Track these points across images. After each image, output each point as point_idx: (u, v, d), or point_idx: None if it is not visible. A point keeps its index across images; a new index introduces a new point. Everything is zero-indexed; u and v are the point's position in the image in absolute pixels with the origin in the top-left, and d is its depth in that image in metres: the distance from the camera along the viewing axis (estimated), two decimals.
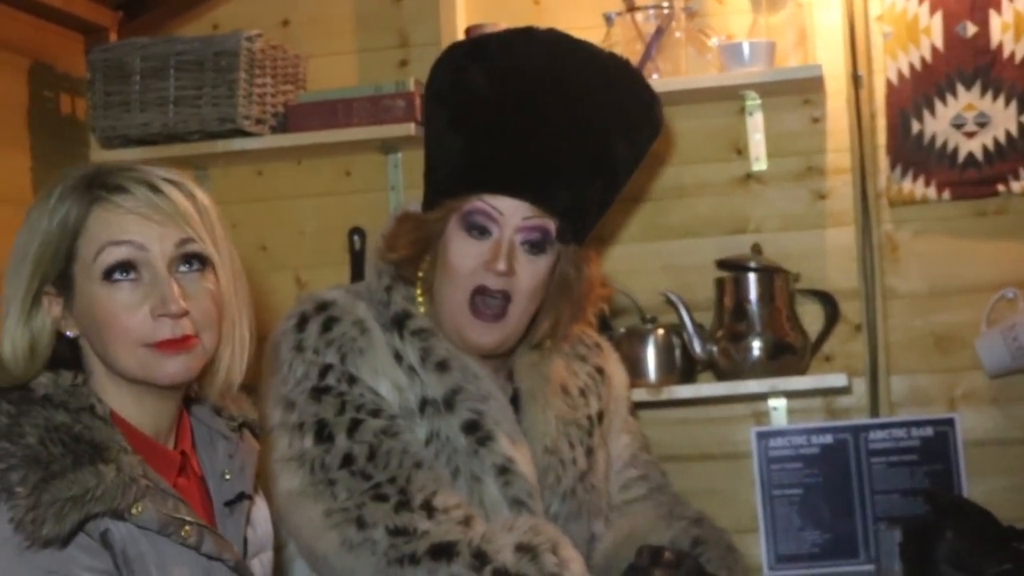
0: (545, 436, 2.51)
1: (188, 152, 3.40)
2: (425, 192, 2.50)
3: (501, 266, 2.39)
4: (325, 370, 2.38)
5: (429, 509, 2.30)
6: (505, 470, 2.41)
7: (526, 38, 2.52)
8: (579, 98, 2.45)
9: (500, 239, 2.41)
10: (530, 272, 2.43)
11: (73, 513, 1.73)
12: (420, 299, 2.49)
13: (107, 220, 1.85)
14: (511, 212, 2.41)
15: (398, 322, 2.45)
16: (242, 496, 2.01)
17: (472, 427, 2.41)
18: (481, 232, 2.41)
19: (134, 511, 1.78)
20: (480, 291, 2.42)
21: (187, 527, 1.84)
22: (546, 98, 2.44)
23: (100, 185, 1.87)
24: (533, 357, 2.57)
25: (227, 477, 1.99)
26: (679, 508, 2.70)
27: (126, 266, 1.85)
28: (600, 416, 2.65)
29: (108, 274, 1.85)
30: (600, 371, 2.69)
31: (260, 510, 2.09)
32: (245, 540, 2.02)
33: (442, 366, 2.43)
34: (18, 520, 1.71)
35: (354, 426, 2.35)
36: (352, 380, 2.39)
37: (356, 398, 2.38)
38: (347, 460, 2.34)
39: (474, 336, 2.44)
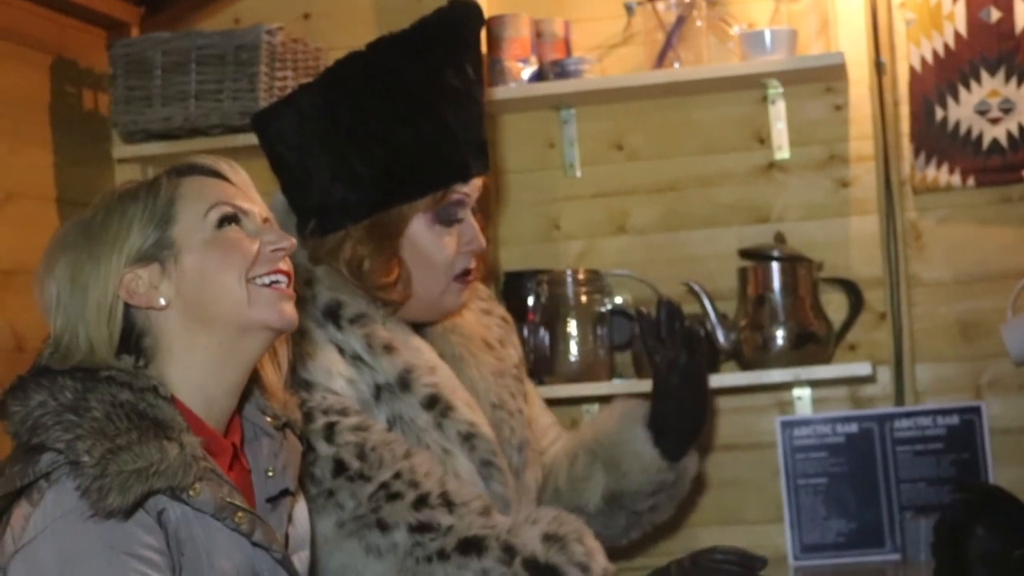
0: (488, 393, 2.53)
1: (210, 146, 3.39)
2: (355, 202, 2.45)
3: (483, 243, 2.49)
4: None
5: (448, 503, 2.30)
6: (470, 435, 2.41)
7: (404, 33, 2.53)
8: (479, 60, 2.54)
9: (469, 219, 2.47)
10: (480, 231, 2.52)
11: (137, 485, 1.74)
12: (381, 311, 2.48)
13: (202, 185, 1.95)
14: (475, 190, 2.49)
15: (331, 313, 2.41)
16: (285, 492, 2.01)
17: (432, 402, 2.40)
18: (455, 220, 2.45)
19: (192, 492, 1.79)
20: (463, 271, 2.48)
21: (241, 513, 1.85)
22: (465, 73, 2.48)
23: (180, 170, 1.97)
24: (447, 320, 2.57)
25: (270, 474, 2.00)
26: None
27: (234, 218, 1.94)
28: (521, 362, 2.70)
29: (220, 223, 1.93)
30: (505, 320, 2.71)
31: (301, 508, 2.09)
32: (287, 536, 2.01)
33: (388, 348, 2.41)
34: (85, 488, 1.73)
35: (330, 430, 2.32)
36: (309, 386, 2.35)
37: (319, 402, 2.33)
38: (339, 467, 2.29)
39: (453, 302, 2.50)
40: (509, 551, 2.25)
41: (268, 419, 2.03)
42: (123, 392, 1.83)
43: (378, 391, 2.39)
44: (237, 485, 1.90)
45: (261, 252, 1.93)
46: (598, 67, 3.44)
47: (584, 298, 3.34)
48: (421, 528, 2.27)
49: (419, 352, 2.45)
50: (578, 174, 3.52)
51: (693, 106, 3.47)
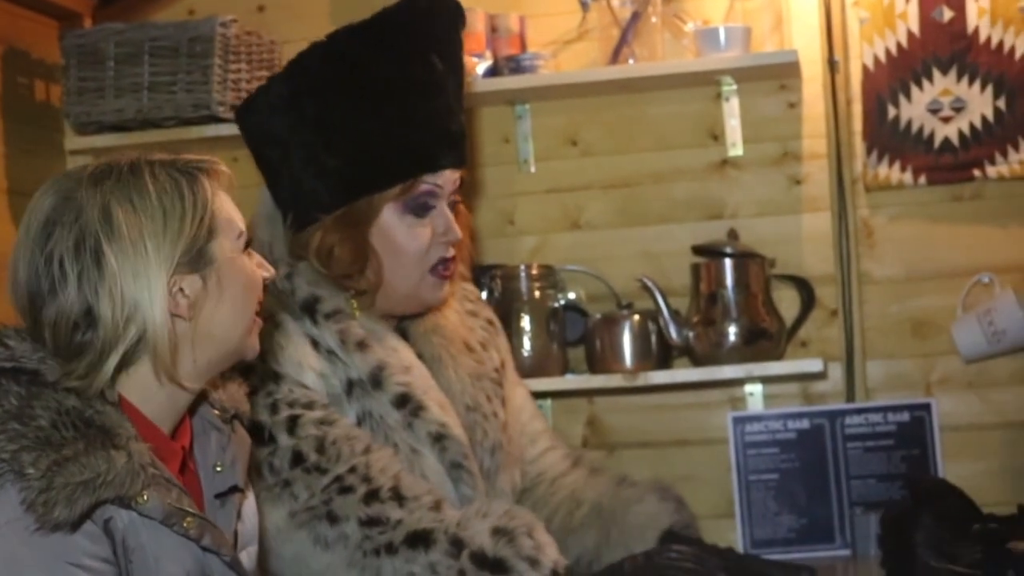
0: (464, 395, 2.55)
1: (162, 138, 3.37)
2: (324, 193, 2.47)
3: (458, 234, 2.50)
4: (247, 372, 2.29)
5: (399, 497, 2.30)
6: (440, 436, 2.43)
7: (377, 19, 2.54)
8: (451, 53, 2.54)
9: (442, 210, 2.49)
10: (460, 225, 2.53)
11: (84, 498, 1.72)
12: (355, 304, 2.48)
13: (229, 201, 1.95)
14: (448, 182, 2.50)
15: (308, 308, 2.44)
16: (234, 489, 2.00)
17: (403, 400, 2.42)
18: (427, 210, 2.46)
19: (140, 500, 1.78)
20: (439, 262, 2.49)
21: (190, 519, 1.83)
22: (432, 65, 2.48)
23: (207, 170, 1.93)
24: (429, 319, 2.58)
25: (218, 469, 1.98)
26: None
27: (250, 243, 1.99)
28: (503, 366, 2.70)
29: (245, 247, 1.95)
30: (491, 323, 2.73)
31: (249, 504, 2.08)
32: (235, 533, 2.00)
33: (362, 345, 2.43)
34: (30, 502, 1.71)
35: (292, 423, 2.34)
36: (278, 378, 2.37)
37: (286, 395, 2.36)
38: (297, 458, 2.32)
39: (433, 295, 2.52)
40: (457, 544, 2.25)
41: (216, 412, 2.02)
42: (69, 398, 1.80)
43: (350, 386, 2.41)
44: (187, 487, 1.89)
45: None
46: (553, 63, 3.44)
47: (537, 293, 3.35)
48: (371, 522, 2.28)
49: (395, 351, 2.46)
50: (532, 169, 3.52)
51: (647, 102, 3.48)
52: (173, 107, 3.34)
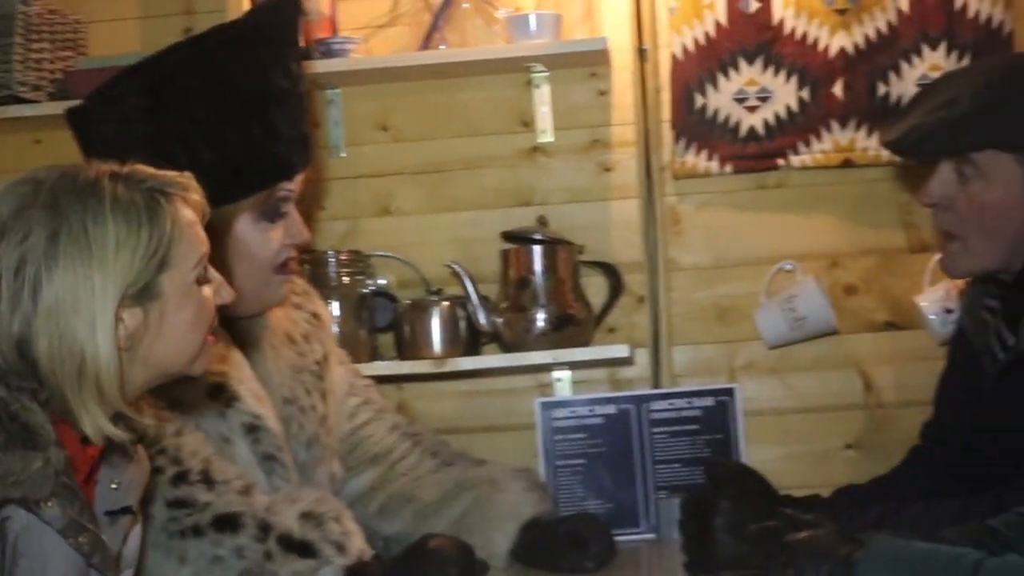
0: (282, 387, 2.54)
1: None
2: None
3: (307, 236, 2.53)
4: None
5: (208, 481, 2.28)
6: (254, 428, 2.42)
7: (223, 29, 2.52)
8: (292, 59, 2.52)
9: (294, 214, 2.49)
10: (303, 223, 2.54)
11: None
12: None
13: (193, 228, 1.93)
14: (298, 185, 2.50)
15: None
16: (126, 510, 1.97)
17: (217, 391, 2.40)
18: (280, 215, 2.47)
19: (45, 506, 1.75)
20: (285, 263, 2.49)
21: (85, 534, 1.80)
22: (289, 71, 2.48)
23: (168, 192, 1.91)
24: None
25: (114, 486, 1.95)
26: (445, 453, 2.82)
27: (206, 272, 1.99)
28: (326, 359, 2.69)
29: (198, 280, 1.94)
30: (316, 316, 2.72)
31: (136, 530, 2.04)
32: (119, 555, 1.97)
33: None
34: None
35: None
36: None
37: None
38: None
39: (277, 295, 2.51)
40: (265, 528, 2.25)
41: (123, 430, 1.98)
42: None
43: None
44: (89, 499, 1.86)
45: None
46: (364, 47, 3.42)
47: (347, 279, 3.33)
48: (178, 503, 2.26)
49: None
50: (343, 154, 3.50)
51: (459, 88, 3.48)
52: None
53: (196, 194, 1.96)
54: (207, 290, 1.97)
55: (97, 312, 1.81)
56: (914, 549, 1.88)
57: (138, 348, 1.88)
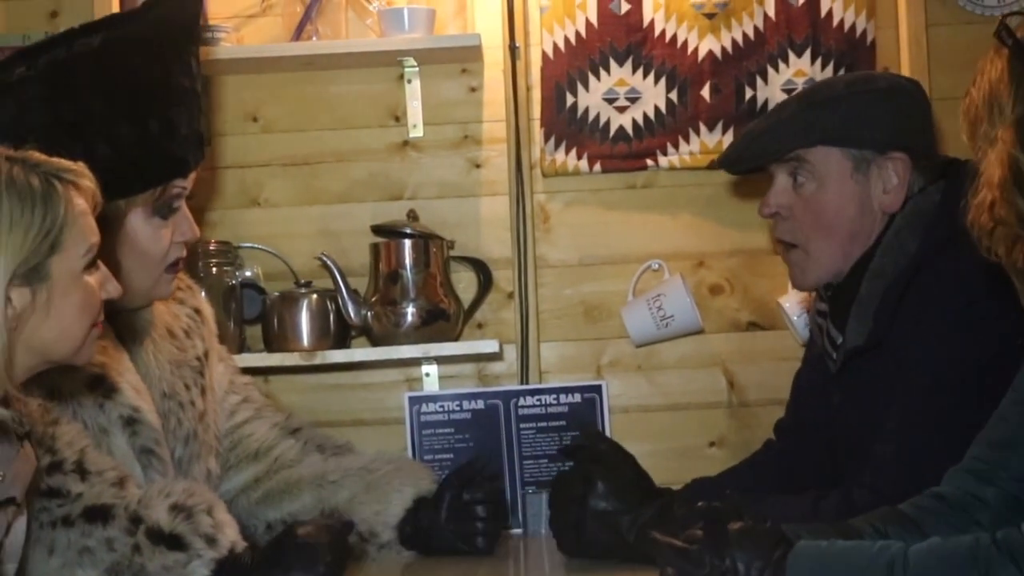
0: (161, 381, 2.52)
1: None
2: None
3: (197, 233, 2.49)
4: None
5: (82, 471, 2.25)
6: (132, 420, 2.39)
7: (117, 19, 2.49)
8: (193, 56, 2.49)
9: (185, 211, 2.47)
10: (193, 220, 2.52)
11: None
12: None
13: (85, 216, 1.93)
14: (190, 182, 2.47)
15: None
16: (11, 501, 1.91)
17: (96, 382, 2.37)
18: (172, 212, 2.44)
19: None
20: (176, 261, 2.47)
21: None
22: (190, 68, 2.45)
23: (64, 177, 1.91)
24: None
25: None
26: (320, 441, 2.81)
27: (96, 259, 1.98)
28: (207, 355, 2.67)
29: (87, 267, 1.94)
30: (198, 311, 2.71)
31: (21, 522, 1.98)
32: (0, 546, 1.91)
33: None
34: None
35: None
36: None
37: None
38: None
39: (164, 290, 2.49)
40: (136, 521, 2.21)
41: (13, 422, 1.94)
42: None
43: None
44: None
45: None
46: (235, 36, 3.39)
47: (214, 270, 3.29)
48: (50, 493, 2.21)
49: None
50: (212, 145, 3.46)
51: (330, 81, 3.47)
52: None
53: (90, 183, 1.96)
54: (94, 280, 1.96)
55: None
56: (838, 547, 1.91)
57: (23, 329, 1.86)
